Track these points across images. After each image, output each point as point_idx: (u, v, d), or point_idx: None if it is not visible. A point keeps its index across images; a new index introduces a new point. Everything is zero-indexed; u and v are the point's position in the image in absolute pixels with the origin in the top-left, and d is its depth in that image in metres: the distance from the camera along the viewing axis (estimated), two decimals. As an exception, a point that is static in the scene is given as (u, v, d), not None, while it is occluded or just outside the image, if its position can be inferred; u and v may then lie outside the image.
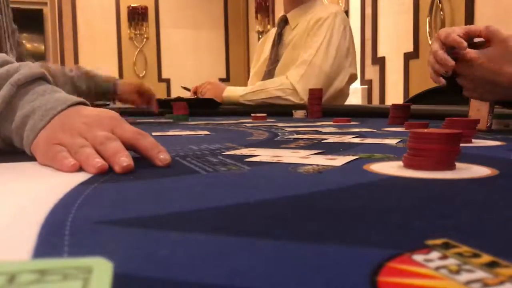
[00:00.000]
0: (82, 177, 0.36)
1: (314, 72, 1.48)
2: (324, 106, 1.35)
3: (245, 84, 1.81)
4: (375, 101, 3.08)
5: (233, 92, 1.59)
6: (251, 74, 1.82)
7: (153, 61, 4.74)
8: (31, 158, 0.45)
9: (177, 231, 0.22)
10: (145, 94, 1.35)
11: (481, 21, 2.19)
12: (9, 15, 0.95)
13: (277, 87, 1.49)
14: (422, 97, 1.37)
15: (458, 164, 0.38)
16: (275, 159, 0.44)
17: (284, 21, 1.64)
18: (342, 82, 1.55)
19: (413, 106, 1.02)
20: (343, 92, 1.60)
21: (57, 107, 0.45)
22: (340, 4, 3.28)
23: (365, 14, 3.17)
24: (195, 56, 4.84)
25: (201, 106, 1.53)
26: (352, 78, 1.60)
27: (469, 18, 2.26)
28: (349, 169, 0.40)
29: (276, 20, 1.72)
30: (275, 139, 0.68)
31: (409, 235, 0.21)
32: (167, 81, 4.72)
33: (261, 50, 1.80)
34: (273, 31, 1.78)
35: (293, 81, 1.47)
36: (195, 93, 1.70)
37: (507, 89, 0.66)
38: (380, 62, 3.06)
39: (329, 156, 0.46)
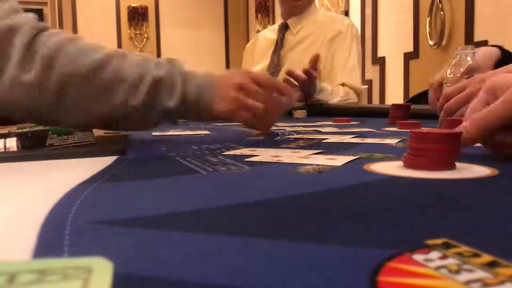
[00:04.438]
0: (82, 177, 0.36)
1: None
2: (324, 106, 1.35)
3: None
4: (375, 101, 3.08)
5: (325, 96, 1.52)
6: None
7: (153, 61, 4.73)
8: (33, 158, 0.45)
9: (177, 231, 0.22)
10: None
11: (481, 21, 2.19)
12: None
13: (343, 97, 1.56)
14: (422, 97, 1.37)
15: (458, 164, 0.38)
16: (275, 159, 0.44)
17: (285, 27, 1.68)
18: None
19: (413, 106, 1.02)
20: None
21: None
22: (340, 4, 3.28)
23: (365, 14, 3.17)
24: (195, 56, 4.84)
25: None
26: None
27: (469, 18, 2.26)
28: (349, 169, 0.40)
29: (277, 23, 1.75)
30: (275, 139, 0.68)
31: (409, 235, 0.21)
32: (167, 81, 4.71)
33: (251, 55, 1.82)
34: (260, 36, 1.83)
35: (358, 86, 1.61)
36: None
37: None
38: (380, 62, 3.06)
39: (329, 156, 0.46)
